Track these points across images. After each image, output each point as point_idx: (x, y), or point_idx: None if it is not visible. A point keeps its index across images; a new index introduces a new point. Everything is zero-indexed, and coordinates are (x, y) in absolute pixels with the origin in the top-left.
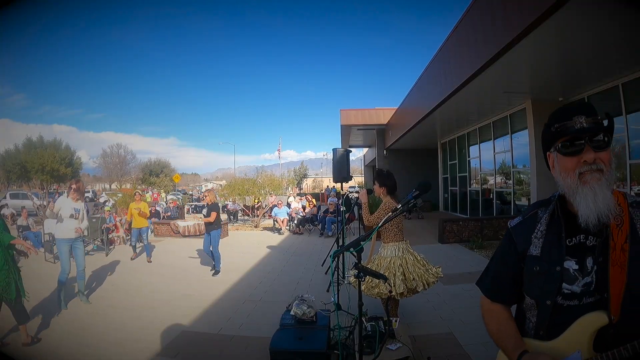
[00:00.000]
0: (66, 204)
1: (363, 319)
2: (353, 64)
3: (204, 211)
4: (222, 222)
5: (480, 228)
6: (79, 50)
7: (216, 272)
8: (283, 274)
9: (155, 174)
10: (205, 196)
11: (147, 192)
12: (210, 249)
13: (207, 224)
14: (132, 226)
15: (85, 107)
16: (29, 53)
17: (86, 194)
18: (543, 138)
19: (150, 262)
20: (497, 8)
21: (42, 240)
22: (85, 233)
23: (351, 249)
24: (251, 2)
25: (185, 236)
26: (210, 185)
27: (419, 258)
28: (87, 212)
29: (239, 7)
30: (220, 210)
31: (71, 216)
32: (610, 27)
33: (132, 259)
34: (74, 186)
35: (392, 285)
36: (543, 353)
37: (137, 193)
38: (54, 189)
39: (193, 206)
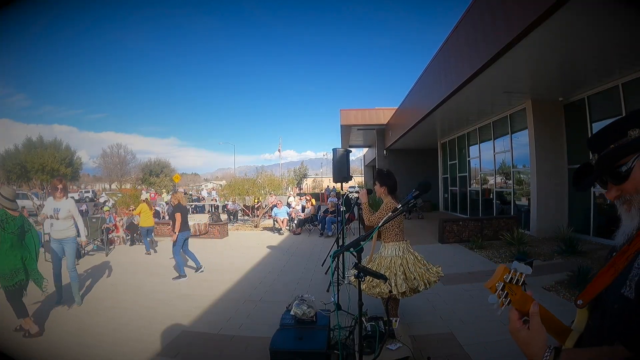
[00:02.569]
0: (51, 205)
1: (363, 319)
2: (353, 64)
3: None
4: (188, 226)
5: (480, 228)
6: (80, 51)
7: (197, 269)
8: (283, 274)
9: (155, 174)
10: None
11: (147, 192)
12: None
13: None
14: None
15: (85, 107)
16: (30, 53)
17: (86, 194)
18: None
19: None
20: (497, 8)
21: (42, 240)
22: (78, 227)
23: (351, 249)
24: (251, 2)
25: None
26: (210, 185)
27: (419, 257)
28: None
29: (239, 7)
30: (184, 212)
31: (51, 217)
32: (610, 27)
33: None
34: (59, 186)
35: (394, 284)
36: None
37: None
38: None
39: (193, 206)
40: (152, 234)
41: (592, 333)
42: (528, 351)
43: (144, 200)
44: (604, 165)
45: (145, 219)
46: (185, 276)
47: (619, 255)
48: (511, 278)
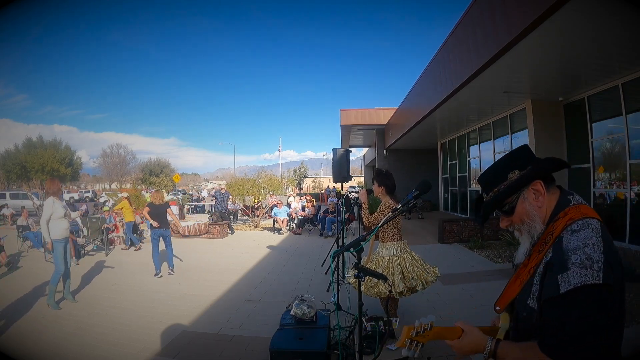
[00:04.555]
0: (56, 205)
1: (363, 319)
2: (353, 64)
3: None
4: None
5: (480, 228)
6: (81, 51)
7: (155, 274)
8: (283, 274)
9: (155, 174)
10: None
11: (147, 192)
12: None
13: None
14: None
15: (85, 108)
16: (31, 53)
17: (86, 194)
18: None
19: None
20: (497, 8)
21: (43, 241)
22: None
23: (351, 249)
24: (251, 2)
25: (185, 236)
26: (210, 185)
27: (416, 257)
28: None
29: (239, 7)
30: (155, 210)
31: (65, 215)
32: (610, 26)
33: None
34: (60, 185)
35: (392, 284)
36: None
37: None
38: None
39: (193, 206)
40: (138, 229)
41: (513, 331)
42: (476, 346)
43: (125, 198)
44: (491, 208)
45: (126, 214)
46: (159, 274)
47: (522, 268)
48: (417, 332)
